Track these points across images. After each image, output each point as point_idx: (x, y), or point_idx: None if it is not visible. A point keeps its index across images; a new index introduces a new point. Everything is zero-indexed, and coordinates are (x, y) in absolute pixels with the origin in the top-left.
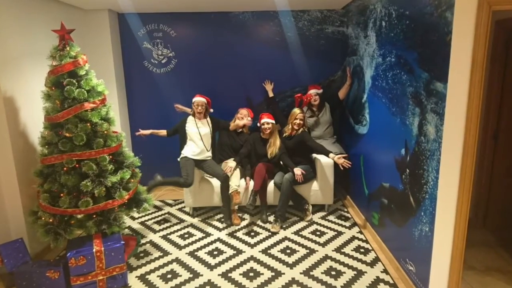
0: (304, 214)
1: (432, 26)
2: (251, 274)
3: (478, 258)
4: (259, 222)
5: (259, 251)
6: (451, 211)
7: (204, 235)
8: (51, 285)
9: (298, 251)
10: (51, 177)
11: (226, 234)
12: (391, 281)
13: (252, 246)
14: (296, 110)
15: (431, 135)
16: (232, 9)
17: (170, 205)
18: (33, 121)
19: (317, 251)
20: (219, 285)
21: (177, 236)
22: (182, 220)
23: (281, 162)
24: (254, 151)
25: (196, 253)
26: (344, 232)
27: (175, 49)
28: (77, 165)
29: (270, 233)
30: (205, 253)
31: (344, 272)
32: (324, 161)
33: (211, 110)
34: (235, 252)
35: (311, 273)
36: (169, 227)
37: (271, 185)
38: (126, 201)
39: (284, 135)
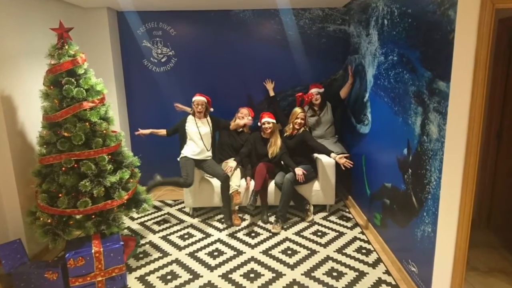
0: (305, 214)
1: (434, 24)
2: (252, 275)
3: (481, 259)
4: (259, 223)
5: (260, 252)
6: (454, 211)
7: (204, 235)
8: (49, 286)
9: (299, 252)
10: (49, 177)
11: (227, 235)
12: (393, 282)
13: (252, 247)
14: (297, 110)
15: (434, 134)
16: (233, 7)
17: (170, 206)
18: (31, 120)
19: (319, 252)
20: (219, 286)
21: (177, 236)
22: (182, 221)
23: (282, 162)
24: (255, 151)
25: (196, 254)
26: (346, 233)
27: (175, 48)
28: (75, 165)
29: (271, 234)
30: (205, 254)
31: (346, 273)
32: (326, 161)
33: (211, 109)
34: (235, 253)
35: (312, 274)
36: (169, 227)
37: (272, 185)
38: (125, 202)
39: (285, 134)
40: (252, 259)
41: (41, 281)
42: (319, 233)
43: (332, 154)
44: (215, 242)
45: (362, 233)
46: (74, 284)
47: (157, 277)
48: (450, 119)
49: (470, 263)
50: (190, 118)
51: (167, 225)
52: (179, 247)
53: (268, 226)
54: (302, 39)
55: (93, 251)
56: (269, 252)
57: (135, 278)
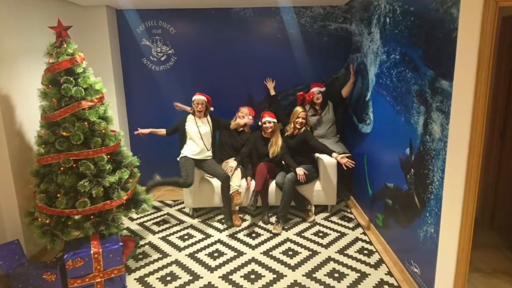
0: (307, 215)
1: (437, 22)
2: (252, 276)
3: (485, 260)
4: (260, 223)
5: (261, 253)
6: (457, 212)
7: (204, 236)
8: None
9: (301, 252)
10: (47, 177)
11: (227, 236)
12: (396, 284)
13: (253, 247)
14: (298, 109)
15: (437, 134)
16: (233, 5)
17: (170, 206)
18: (30, 119)
19: (320, 252)
20: (219, 287)
21: (176, 237)
22: (181, 221)
23: (283, 162)
24: (255, 151)
25: (196, 254)
26: (348, 234)
27: (175, 46)
28: (74, 165)
29: (271, 235)
30: (205, 254)
31: (348, 274)
32: (327, 161)
33: (212, 109)
34: (236, 253)
35: (313, 275)
36: (169, 228)
37: (272, 185)
38: (124, 202)
39: (286, 134)
40: (253, 260)
41: (39, 282)
42: (321, 234)
43: (334, 154)
44: (215, 243)
45: (364, 233)
46: (72, 286)
47: (157, 278)
48: (453, 118)
49: (473, 264)
50: (190, 117)
51: (167, 225)
52: (179, 248)
53: (269, 226)
54: (303, 38)
55: (92, 252)
56: (270, 253)
57: (134, 279)
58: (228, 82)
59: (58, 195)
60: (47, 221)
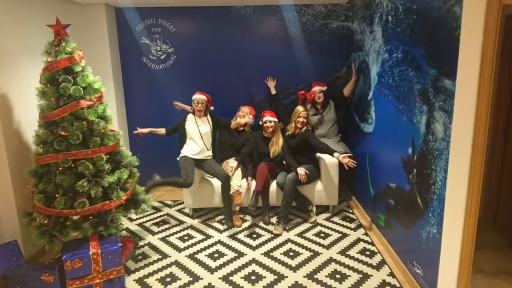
0: (308, 215)
1: (440, 21)
2: (253, 277)
3: (488, 261)
4: (261, 224)
5: (261, 254)
6: (460, 212)
7: (204, 237)
8: None
9: (302, 253)
10: (46, 177)
11: (227, 236)
12: (398, 285)
13: (254, 248)
14: (300, 108)
15: (439, 133)
16: (233, 3)
17: (169, 206)
18: (28, 119)
19: (321, 253)
20: None
21: (176, 238)
22: (181, 222)
23: (284, 162)
24: (256, 150)
25: (196, 255)
26: (349, 234)
27: (174, 45)
28: (73, 165)
29: (272, 235)
30: (205, 255)
31: (349, 276)
32: (329, 161)
33: (212, 108)
34: (236, 254)
35: (315, 276)
36: (168, 228)
37: (273, 186)
38: (123, 202)
39: (287, 133)
40: (253, 261)
41: (37, 284)
42: (322, 235)
43: (335, 154)
44: (215, 243)
45: (366, 234)
46: (71, 287)
47: (156, 280)
48: (456, 117)
49: (476, 265)
50: (190, 116)
51: (167, 226)
52: (178, 248)
53: (270, 227)
54: (305, 36)
55: (90, 253)
56: (271, 254)
57: (134, 280)
58: (229, 81)
59: (57, 195)
60: (46, 222)
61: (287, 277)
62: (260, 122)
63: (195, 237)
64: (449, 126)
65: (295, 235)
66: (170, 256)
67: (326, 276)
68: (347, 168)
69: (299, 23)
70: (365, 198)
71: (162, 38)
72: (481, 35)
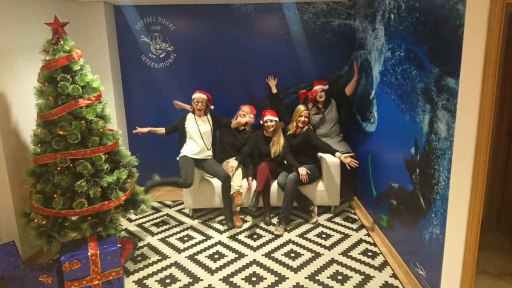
0: (309, 216)
1: (443, 19)
2: (254, 278)
3: (491, 262)
4: (262, 224)
5: (262, 255)
6: (463, 212)
7: (204, 238)
8: None
9: (303, 254)
10: (44, 177)
11: (227, 237)
12: (401, 286)
13: (254, 249)
14: (301, 107)
15: (442, 133)
16: (234, 1)
17: (169, 207)
18: (25, 118)
19: (323, 254)
20: None
21: (176, 239)
22: (181, 222)
23: (285, 162)
24: (257, 150)
25: (196, 256)
26: (351, 235)
27: (174, 43)
28: (71, 165)
29: (273, 236)
30: (205, 256)
31: (351, 277)
32: (330, 161)
33: (212, 107)
34: (236, 255)
35: (316, 277)
36: (168, 229)
37: (274, 186)
38: (122, 202)
39: (288, 133)
40: (254, 262)
41: (35, 285)
42: (324, 235)
43: (337, 153)
44: (215, 244)
45: (368, 235)
46: None
47: (156, 281)
48: (459, 117)
49: (479, 266)
50: (190, 116)
51: (166, 226)
52: (178, 249)
53: (271, 228)
54: (306, 34)
55: (89, 253)
56: (272, 255)
57: (133, 281)
58: (229, 79)
59: (55, 196)
60: (44, 222)
61: (288, 278)
62: (261, 122)
63: (195, 238)
64: (452, 125)
65: (296, 235)
66: (169, 257)
67: (327, 278)
68: (349, 168)
69: (300, 21)
70: (367, 198)
71: (162, 36)
72: (484, 33)
